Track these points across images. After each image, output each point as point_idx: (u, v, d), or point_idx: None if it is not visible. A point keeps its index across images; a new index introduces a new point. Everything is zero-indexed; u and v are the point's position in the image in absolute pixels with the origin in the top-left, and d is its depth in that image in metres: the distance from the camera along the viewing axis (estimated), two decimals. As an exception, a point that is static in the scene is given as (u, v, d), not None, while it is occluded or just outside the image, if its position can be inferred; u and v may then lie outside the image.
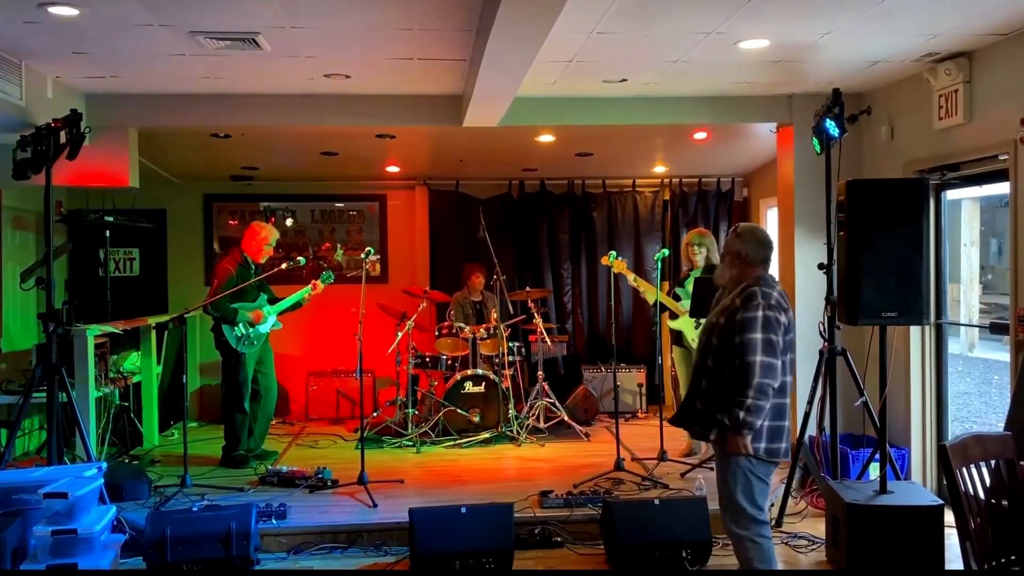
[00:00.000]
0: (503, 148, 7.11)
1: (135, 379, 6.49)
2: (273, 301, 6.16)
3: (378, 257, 8.12)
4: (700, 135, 6.78)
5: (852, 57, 4.90)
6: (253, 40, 4.37)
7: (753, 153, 7.41)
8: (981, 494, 2.83)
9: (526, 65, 4.30)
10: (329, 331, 7.94)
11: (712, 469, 5.27)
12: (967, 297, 10.48)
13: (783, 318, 3.38)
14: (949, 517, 3.26)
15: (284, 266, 6.05)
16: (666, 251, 6.17)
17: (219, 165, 7.61)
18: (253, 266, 6.01)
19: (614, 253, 5.96)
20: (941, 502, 4.15)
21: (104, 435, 5.91)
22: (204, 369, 7.80)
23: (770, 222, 7.72)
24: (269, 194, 8.17)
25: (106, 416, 5.96)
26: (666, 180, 8.24)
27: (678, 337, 6.18)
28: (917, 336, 5.33)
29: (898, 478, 4.69)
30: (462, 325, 7.01)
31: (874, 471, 4.77)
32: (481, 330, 6.96)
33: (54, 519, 3.67)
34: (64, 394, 4.56)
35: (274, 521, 4.63)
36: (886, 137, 5.54)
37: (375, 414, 7.11)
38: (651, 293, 6.09)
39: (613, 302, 6.10)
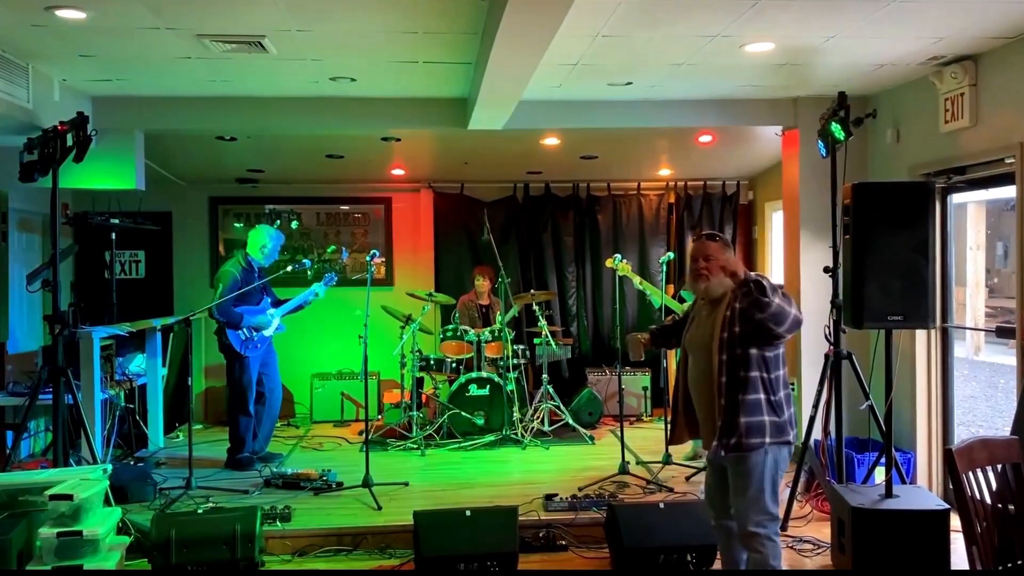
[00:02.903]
0: (508, 151, 7.11)
1: (140, 381, 6.51)
2: (277, 304, 6.17)
3: (383, 260, 8.14)
4: (705, 138, 6.78)
5: (857, 60, 4.90)
6: (259, 43, 4.39)
7: (758, 156, 7.40)
8: (987, 498, 2.82)
9: (531, 68, 4.31)
10: (334, 334, 7.93)
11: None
12: (973, 301, 10.46)
13: None
14: (955, 521, 3.25)
15: (289, 268, 6.06)
16: (671, 254, 6.16)
17: (225, 167, 7.62)
18: (257, 269, 6.02)
19: (619, 256, 5.96)
20: (947, 506, 4.13)
21: (109, 437, 5.92)
22: (209, 371, 7.80)
23: (775, 226, 7.71)
24: (274, 196, 8.18)
25: (112, 418, 5.97)
26: (671, 183, 8.23)
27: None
28: (923, 340, 5.32)
29: (904, 482, 4.67)
30: (467, 328, 7.01)
31: (879, 475, 4.75)
32: (485, 331, 6.96)
33: (60, 521, 3.69)
34: (70, 396, 4.57)
35: (279, 523, 4.64)
36: (892, 140, 5.54)
37: (379, 417, 7.11)
38: (656, 296, 6.09)
39: (618, 305, 6.09)
